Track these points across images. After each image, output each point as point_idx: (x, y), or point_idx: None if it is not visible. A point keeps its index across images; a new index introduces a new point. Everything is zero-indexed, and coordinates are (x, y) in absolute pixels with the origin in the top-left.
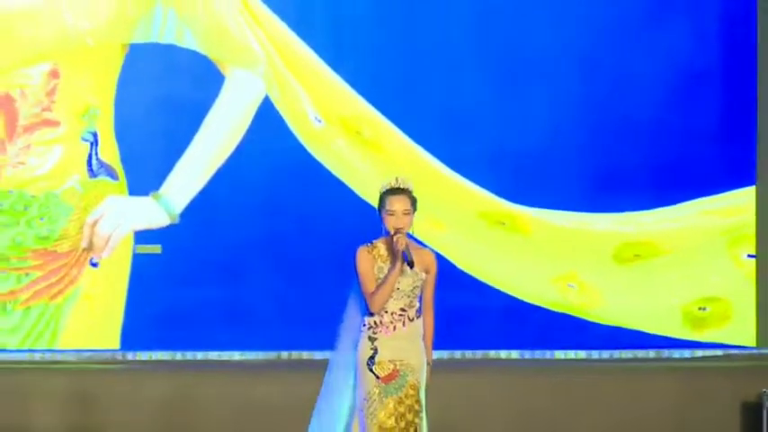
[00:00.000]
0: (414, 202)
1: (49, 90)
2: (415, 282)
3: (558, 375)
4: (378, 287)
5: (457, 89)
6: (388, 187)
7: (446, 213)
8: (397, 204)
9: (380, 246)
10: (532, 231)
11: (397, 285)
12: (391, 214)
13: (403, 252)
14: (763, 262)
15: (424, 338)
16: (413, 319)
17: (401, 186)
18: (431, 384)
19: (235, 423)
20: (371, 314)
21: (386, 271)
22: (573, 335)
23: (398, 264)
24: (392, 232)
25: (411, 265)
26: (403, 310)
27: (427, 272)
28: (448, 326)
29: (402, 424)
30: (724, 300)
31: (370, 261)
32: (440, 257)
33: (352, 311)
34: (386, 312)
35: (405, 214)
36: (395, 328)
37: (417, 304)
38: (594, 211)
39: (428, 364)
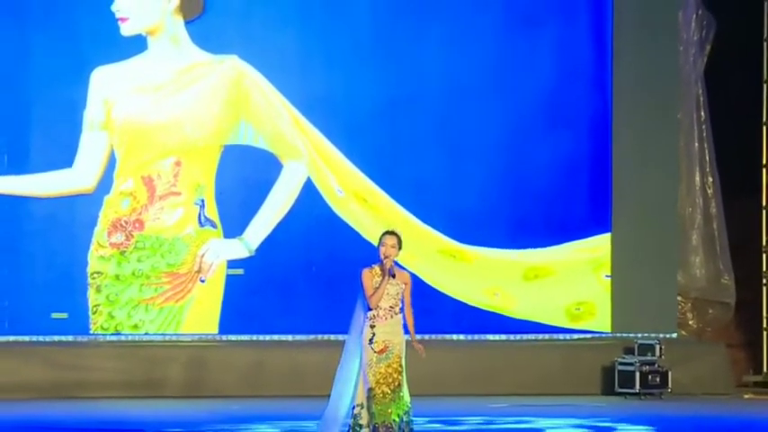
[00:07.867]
0: (399, 240)
1: (175, 174)
2: (398, 289)
3: (490, 350)
4: (375, 291)
5: (424, 168)
6: (384, 231)
7: (418, 249)
8: (388, 240)
9: (376, 268)
10: (472, 260)
11: (387, 291)
12: (383, 245)
13: (389, 269)
14: (615, 280)
15: (407, 326)
16: (397, 314)
17: (392, 230)
18: (409, 356)
19: (290, 380)
20: (371, 310)
21: (380, 282)
22: (498, 325)
23: (387, 277)
24: (383, 258)
25: (393, 276)
26: (391, 307)
27: (405, 284)
28: (419, 318)
29: (389, 379)
30: (591, 303)
31: (370, 277)
32: (415, 277)
33: (358, 310)
34: (380, 309)
35: (392, 247)
36: (386, 318)
37: (400, 305)
38: (511, 248)
39: (414, 341)
